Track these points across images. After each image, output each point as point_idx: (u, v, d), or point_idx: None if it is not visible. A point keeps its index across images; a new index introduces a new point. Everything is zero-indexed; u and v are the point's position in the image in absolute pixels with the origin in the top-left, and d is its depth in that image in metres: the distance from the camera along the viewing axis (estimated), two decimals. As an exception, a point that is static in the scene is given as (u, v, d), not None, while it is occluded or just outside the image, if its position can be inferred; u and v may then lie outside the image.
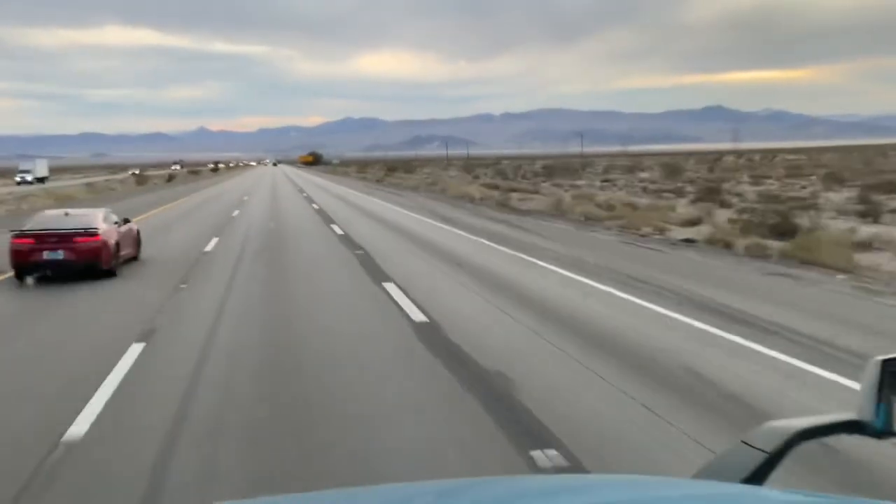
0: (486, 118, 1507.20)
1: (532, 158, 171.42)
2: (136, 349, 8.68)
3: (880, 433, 1.43)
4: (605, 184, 52.41)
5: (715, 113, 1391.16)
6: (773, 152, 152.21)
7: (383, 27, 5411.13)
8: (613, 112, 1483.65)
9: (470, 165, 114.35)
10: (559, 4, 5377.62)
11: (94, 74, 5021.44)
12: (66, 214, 16.09)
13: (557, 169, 78.33)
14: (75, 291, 13.51)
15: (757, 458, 1.43)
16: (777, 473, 1.44)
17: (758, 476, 1.42)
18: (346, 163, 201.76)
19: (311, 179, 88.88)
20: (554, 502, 1.38)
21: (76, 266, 14.50)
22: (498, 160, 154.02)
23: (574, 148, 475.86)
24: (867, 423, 1.43)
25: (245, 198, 46.37)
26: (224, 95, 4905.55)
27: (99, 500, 4.89)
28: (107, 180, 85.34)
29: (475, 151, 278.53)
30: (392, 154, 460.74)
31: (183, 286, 13.58)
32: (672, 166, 68.75)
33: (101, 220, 15.37)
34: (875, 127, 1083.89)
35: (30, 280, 14.30)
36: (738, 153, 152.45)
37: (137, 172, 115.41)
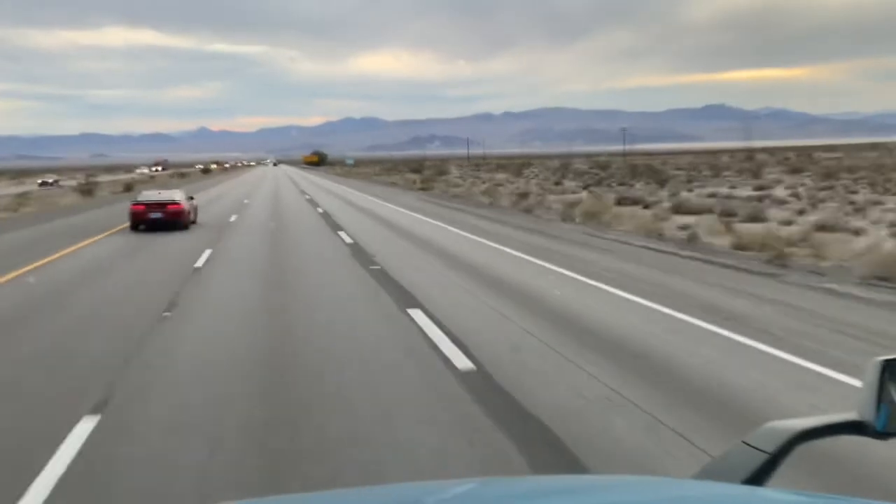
0: (487, 118, 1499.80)
1: (566, 157, 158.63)
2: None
3: (882, 434, 1.42)
4: (755, 193, 39.11)
5: (716, 111, 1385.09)
6: (807, 150, 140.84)
7: (383, 27, 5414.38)
8: (615, 111, 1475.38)
9: (517, 167, 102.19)
10: (560, 3, 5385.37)
11: (95, 75, 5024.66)
12: (160, 193, 26.78)
13: (636, 173, 66.57)
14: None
15: (758, 459, 1.41)
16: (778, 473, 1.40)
17: (759, 477, 1.39)
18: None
19: (333, 190, 55.08)
20: (554, 503, 1.37)
21: (167, 222, 24.16)
22: (527, 160, 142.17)
23: (577, 147, 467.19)
24: (868, 424, 1.42)
25: (219, 236, 23.95)
26: (224, 95, 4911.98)
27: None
28: (58, 190, 66.94)
29: (476, 151, 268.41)
30: (392, 154, 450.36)
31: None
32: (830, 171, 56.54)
33: (180, 196, 25.86)
34: (877, 125, 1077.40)
35: (141, 227, 24.42)
36: (770, 151, 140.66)
37: (50, 182, 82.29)
